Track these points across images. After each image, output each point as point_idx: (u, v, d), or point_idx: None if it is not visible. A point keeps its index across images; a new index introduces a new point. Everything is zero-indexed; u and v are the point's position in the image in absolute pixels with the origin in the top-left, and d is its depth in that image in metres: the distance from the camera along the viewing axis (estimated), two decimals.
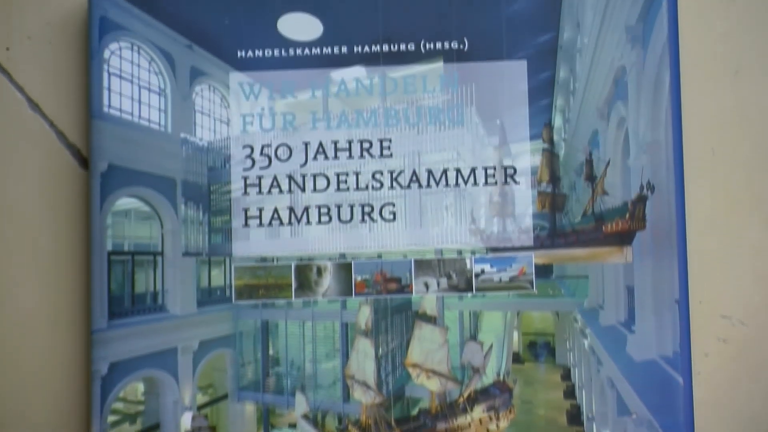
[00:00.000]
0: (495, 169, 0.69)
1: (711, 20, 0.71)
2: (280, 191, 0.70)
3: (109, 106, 0.71)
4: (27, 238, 0.73)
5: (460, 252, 0.69)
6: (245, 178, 0.71)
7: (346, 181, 0.70)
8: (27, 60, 0.74)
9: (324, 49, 0.70)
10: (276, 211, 0.70)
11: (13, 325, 0.73)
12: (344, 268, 0.70)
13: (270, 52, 0.70)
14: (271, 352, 0.72)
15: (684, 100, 0.68)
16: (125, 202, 0.71)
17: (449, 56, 0.69)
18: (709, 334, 0.69)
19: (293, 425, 0.72)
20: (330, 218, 0.70)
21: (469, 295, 0.69)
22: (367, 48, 0.70)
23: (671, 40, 0.67)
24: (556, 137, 0.68)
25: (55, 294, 0.73)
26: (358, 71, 0.70)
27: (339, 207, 0.70)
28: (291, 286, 0.70)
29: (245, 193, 0.71)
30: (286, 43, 0.70)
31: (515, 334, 0.71)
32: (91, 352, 0.70)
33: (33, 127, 0.73)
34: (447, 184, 0.69)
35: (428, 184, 0.69)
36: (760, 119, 0.70)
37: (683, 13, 0.69)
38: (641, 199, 0.66)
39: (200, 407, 0.73)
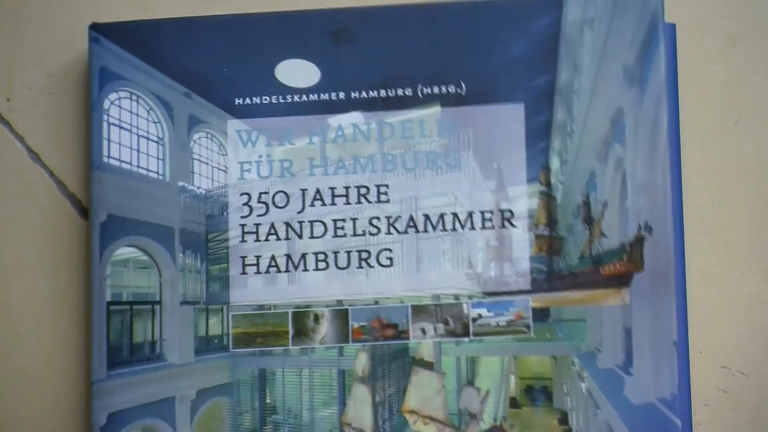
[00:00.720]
0: (492, 213, 0.68)
1: (711, 70, 0.71)
2: (278, 238, 0.70)
3: (109, 156, 0.71)
4: (27, 288, 0.73)
5: (457, 297, 0.68)
6: (243, 226, 0.70)
7: (343, 228, 0.69)
8: (27, 110, 0.74)
9: (321, 95, 0.70)
10: (273, 258, 0.70)
11: (14, 377, 0.73)
12: (341, 314, 0.69)
13: (268, 99, 0.70)
14: (268, 400, 0.71)
15: (684, 150, 0.69)
16: (124, 251, 0.71)
17: (447, 101, 0.69)
18: (709, 385, 0.69)
19: None
20: (327, 265, 0.69)
21: (467, 340, 0.68)
22: (364, 94, 0.70)
23: (670, 90, 0.68)
24: (553, 180, 0.68)
25: (55, 345, 0.73)
26: (355, 117, 0.70)
27: (336, 253, 0.69)
28: (288, 333, 0.69)
29: (243, 240, 0.70)
30: (283, 90, 0.70)
31: (512, 379, 0.69)
32: (90, 402, 0.70)
33: (33, 177, 0.73)
34: (444, 228, 0.68)
35: (425, 229, 0.69)
36: (760, 169, 0.70)
37: (683, 62, 0.69)
38: (639, 241, 0.65)
39: None
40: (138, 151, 0.72)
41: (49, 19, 0.75)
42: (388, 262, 0.69)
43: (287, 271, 0.70)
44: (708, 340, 0.69)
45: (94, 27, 0.72)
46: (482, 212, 0.68)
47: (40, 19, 0.75)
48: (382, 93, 0.69)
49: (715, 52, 0.71)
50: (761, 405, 0.69)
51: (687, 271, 0.67)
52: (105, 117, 0.71)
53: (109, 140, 0.71)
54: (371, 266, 0.69)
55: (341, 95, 0.70)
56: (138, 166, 0.72)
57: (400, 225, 0.69)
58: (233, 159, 0.71)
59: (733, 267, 0.70)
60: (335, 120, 0.70)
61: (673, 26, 0.68)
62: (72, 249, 0.73)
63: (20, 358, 0.73)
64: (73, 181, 0.74)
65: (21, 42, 0.74)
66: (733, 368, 0.69)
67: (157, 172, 0.72)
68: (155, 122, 0.72)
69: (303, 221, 0.70)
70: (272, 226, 0.70)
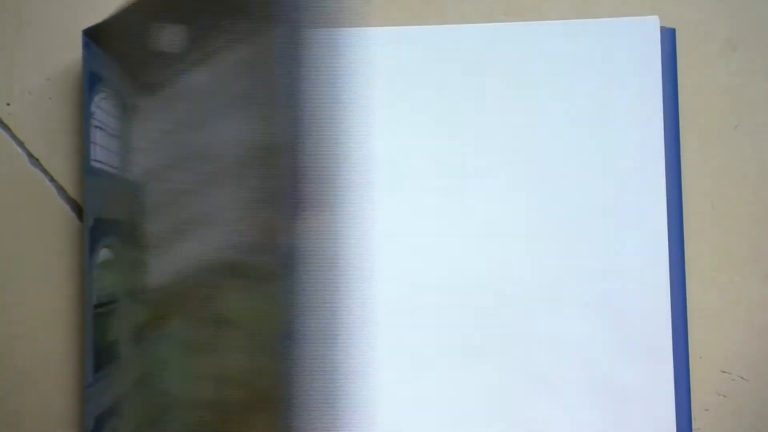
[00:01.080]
0: None
1: (711, 74, 0.71)
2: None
3: (95, 160, 0.72)
4: (27, 293, 0.75)
5: None
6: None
7: None
8: (27, 115, 0.77)
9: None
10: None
11: (12, 385, 0.75)
12: None
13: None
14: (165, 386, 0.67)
15: (683, 155, 0.69)
16: (104, 253, 0.72)
17: None
18: (709, 389, 0.70)
19: None
20: None
21: None
22: None
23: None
24: None
25: (53, 351, 0.74)
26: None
27: None
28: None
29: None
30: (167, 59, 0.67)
31: None
32: (84, 408, 0.70)
33: (33, 182, 0.76)
34: None
35: None
36: (760, 174, 0.71)
37: (682, 67, 0.70)
38: None
39: None
40: (113, 151, 0.71)
41: (49, 22, 0.77)
42: None
43: None
44: (708, 345, 0.70)
45: (87, 32, 0.72)
46: None
47: (39, 22, 0.78)
48: None
49: (715, 56, 0.69)
50: (761, 409, 0.69)
51: (687, 276, 0.68)
52: (92, 121, 0.72)
53: (96, 144, 0.71)
54: None
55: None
56: (113, 167, 0.71)
57: None
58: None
59: (733, 271, 0.70)
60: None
61: (672, 30, 0.67)
62: (72, 254, 0.75)
63: (18, 366, 0.75)
64: (73, 186, 0.75)
65: (21, 45, 0.78)
66: (733, 373, 0.69)
67: (119, 168, 0.70)
68: (119, 118, 0.71)
69: None
70: None
